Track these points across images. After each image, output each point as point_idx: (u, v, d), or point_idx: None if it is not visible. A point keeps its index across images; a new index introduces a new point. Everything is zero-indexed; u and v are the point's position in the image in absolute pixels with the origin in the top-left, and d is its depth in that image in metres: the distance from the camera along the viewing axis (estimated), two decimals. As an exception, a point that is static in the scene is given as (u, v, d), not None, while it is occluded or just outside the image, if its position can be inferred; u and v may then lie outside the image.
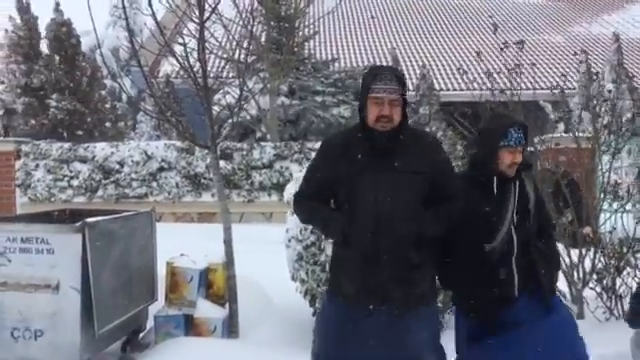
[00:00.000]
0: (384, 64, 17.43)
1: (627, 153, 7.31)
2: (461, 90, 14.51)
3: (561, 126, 10.08)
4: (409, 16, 22.41)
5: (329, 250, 4.26)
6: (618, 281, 4.71)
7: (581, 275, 4.91)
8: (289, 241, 4.55)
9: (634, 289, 4.09)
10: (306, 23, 13.92)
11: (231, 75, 11.80)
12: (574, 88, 13.00)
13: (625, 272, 4.69)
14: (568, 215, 5.09)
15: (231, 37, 7.82)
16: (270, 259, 5.54)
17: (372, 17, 21.72)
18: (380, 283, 2.60)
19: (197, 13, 4.47)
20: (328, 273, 3.08)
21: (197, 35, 4.44)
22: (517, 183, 2.87)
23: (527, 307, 2.83)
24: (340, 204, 2.72)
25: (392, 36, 20.17)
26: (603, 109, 5.94)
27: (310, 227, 4.31)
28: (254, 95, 9.57)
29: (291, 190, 4.68)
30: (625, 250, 4.74)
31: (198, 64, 4.42)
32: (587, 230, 5.17)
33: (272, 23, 12.56)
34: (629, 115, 9.66)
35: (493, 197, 2.84)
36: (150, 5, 4.44)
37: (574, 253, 4.98)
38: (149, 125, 15.09)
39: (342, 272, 2.73)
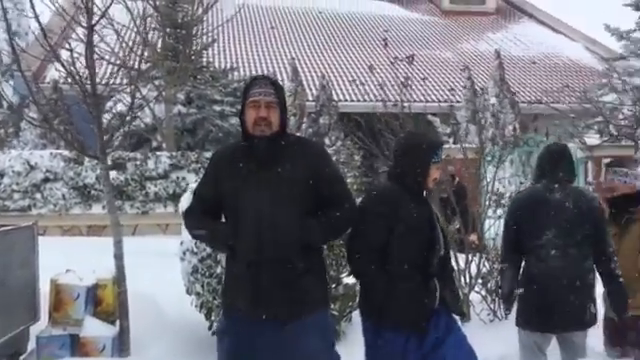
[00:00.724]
0: (284, 74, 17.56)
1: (510, 163, 7.81)
2: (357, 101, 14.86)
3: (450, 140, 10.59)
4: (308, 28, 22.71)
5: (224, 262, 4.22)
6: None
7: (467, 279, 5.15)
8: (184, 254, 4.44)
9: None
10: (204, 31, 13.70)
11: (124, 82, 11.38)
12: (461, 102, 13.73)
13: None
14: (456, 223, 5.34)
15: (123, 43, 7.54)
16: (165, 273, 5.39)
17: (272, 27, 21.80)
18: (265, 292, 2.60)
19: (85, 17, 4.27)
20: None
21: (85, 40, 4.24)
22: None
23: (444, 321, 2.92)
24: (227, 216, 2.75)
25: (292, 47, 20.34)
26: (488, 122, 6.32)
27: (205, 239, 4.22)
28: (148, 103, 9.27)
29: (185, 201, 4.57)
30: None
31: (86, 70, 4.22)
32: (473, 237, 5.46)
33: (168, 30, 12.25)
34: (511, 128, 10.34)
35: (426, 208, 2.93)
36: (33, 7, 4.20)
37: (461, 258, 5.23)
38: (34, 133, 14.18)
39: (232, 284, 2.74)
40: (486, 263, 5.18)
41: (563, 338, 3.53)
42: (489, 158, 5.87)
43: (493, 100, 10.80)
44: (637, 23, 15.71)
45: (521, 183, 7.01)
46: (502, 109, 10.28)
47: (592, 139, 10.69)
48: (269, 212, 2.61)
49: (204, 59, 14.37)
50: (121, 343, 4.24)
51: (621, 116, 11.63)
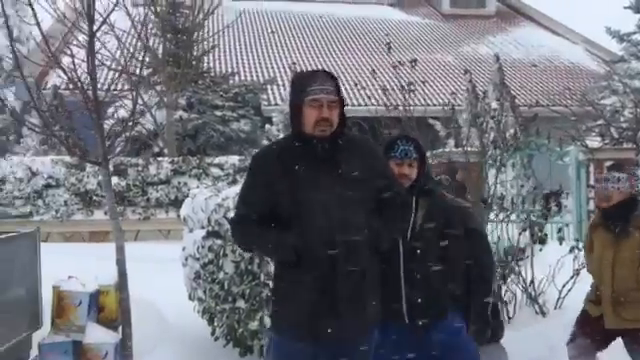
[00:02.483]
0: (285, 79, 17.58)
1: (511, 167, 7.80)
2: (359, 105, 14.88)
3: (451, 142, 10.59)
4: (308, 33, 22.75)
5: (228, 268, 4.21)
6: (503, 288, 4.98)
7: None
8: (186, 259, 4.43)
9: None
10: (204, 36, 13.74)
11: (125, 88, 11.41)
12: (461, 105, 13.74)
13: (509, 279, 4.96)
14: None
15: (124, 49, 7.54)
16: (166, 278, 5.38)
17: (272, 32, 21.84)
18: (334, 305, 2.39)
19: (87, 24, 4.28)
20: (269, 306, 2.74)
21: (87, 46, 4.24)
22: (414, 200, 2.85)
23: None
24: (285, 223, 2.45)
25: (292, 52, 20.38)
26: (489, 126, 6.30)
27: (207, 244, 4.22)
28: (150, 109, 9.28)
29: (187, 207, 4.57)
30: (509, 259, 5.01)
31: (88, 76, 4.22)
32: None
33: (169, 35, 12.28)
34: (512, 131, 10.32)
35: None
36: (34, 14, 4.20)
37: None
38: (35, 140, 14.21)
39: (291, 295, 2.47)
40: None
41: None
42: (491, 162, 5.86)
43: (494, 104, 10.80)
44: (637, 25, 15.74)
45: (522, 186, 7.01)
46: (503, 112, 10.26)
47: (593, 142, 10.69)
48: (339, 216, 2.40)
49: (205, 64, 14.41)
50: (124, 349, 4.23)
51: (622, 119, 11.63)
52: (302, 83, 2.50)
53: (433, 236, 2.81)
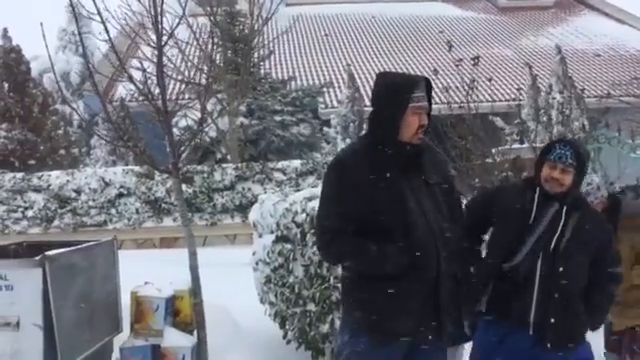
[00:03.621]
0: (340, 81, 17.61)
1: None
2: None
3: (515, 138, 10.31)
4: (361, 34, 22.70)
5: (297, 272, 4.24)
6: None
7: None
8: (256, 264, 4.50)
9: None
10: (262, 43, 13.94)
11: (187, 97, 11.72)
12: (523, 100, 13.36)
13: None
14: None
15: (187, 60, 7.78)
16: (236, 283, 5.47)
17: (326, 35, 21.93)
18: (437, 313, 2.39)
19: (154, 37, 4.41)
20: (354, 315, 2.56)
21: (155, 60, 4.38)
22: None
23: None
24: (379, 233, 2.37)
25: (347, 54, 20.38)
26: (554, 119, 6.14)
27: (277, 249, 4.27)
28: (213, 118, 9.50)
29: (255, 212, 4.64)
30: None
31: (156, 88, 4.36)
32: None
33: (228, 44, 12.54)
34: (577, 124, 9.97)
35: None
36: (106, 30, 4.37)
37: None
38: (104, 150, 14.77)
39: (393, 303, 2.38)
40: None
41: None
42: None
43: (558, 96, 10.47)
44: None
45: (588, 184, 6.76)
46: (568, 105, 9.94)
47: (668, 133, 10.18)
48: (437, 223, 2.42)
49: (262, 71, 14.61)
50: (199, 353, 4.33)
51: (698, 106, 11.02)
52: (404, 88, 2.43)
53: (579, 253, 2.68)
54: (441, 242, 2.39)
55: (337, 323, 4.15)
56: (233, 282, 5.77)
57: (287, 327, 4.42)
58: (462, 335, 2.51)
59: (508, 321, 2.68)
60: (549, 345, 2.60)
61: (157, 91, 4.36)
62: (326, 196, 2.49)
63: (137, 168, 11.48)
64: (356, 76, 17.11)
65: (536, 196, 2.71)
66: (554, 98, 9.73)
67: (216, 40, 11.09)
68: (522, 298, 2.65)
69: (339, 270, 4.20)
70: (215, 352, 4.43)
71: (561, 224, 2.66)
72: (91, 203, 11.39)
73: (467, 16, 24.46)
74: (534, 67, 13.65)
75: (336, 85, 17.32)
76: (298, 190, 4.73)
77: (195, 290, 4.42)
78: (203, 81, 5.37)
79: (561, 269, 2.61)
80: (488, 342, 2.74)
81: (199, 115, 4.85)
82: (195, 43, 8.48)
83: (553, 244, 2.64)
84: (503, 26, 23.64)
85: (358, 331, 2.49)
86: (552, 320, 2.60)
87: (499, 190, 2.86)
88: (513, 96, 6.61)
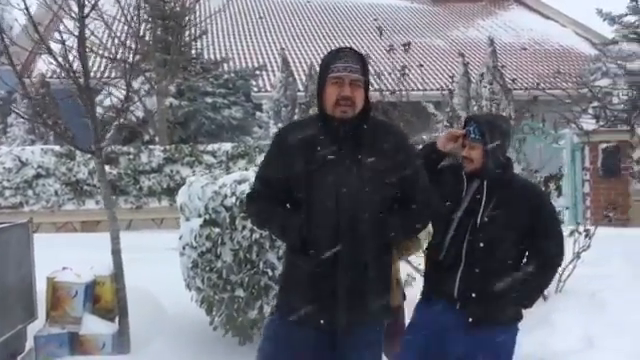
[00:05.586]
0: (274, 65, 17.42)
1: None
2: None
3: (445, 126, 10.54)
4: (297, 18, 22.55)
5: (226, 256, 4.15)
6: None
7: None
8: (183, 248, 4.36)
9: None
10: (194, 22, 13.56)
11: (114, 75, 11.25)
12: (454, 89, 13.66)
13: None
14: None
15: (113, 35, 7.43)
16: (162, 268, 5.30)
17: (260, 17, 21.62)
18: (334, 296, 2.31)
19: (76, 9, 4.16)
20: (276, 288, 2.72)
21: (76, 33, 4.13)
22: None
23: None
24: (298, 205, 2.38)
25: (281, 37, 20.19)
26: (483, 109, 6.28)
27: (205, 233, 4.15)
28: (140, 97, 9.15)
29: (182, 195, 4.49)
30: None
31: (78, 63, 4.12)
32: None
33: (158, 21, 12.11)
34: (505, 114, 10.29)
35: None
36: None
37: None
38: (22, 129, 14.00)
39: (295, 282, 2.42)
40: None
41: None
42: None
43: (487, 87, 10.76)
44: (629, 7, 15.70)
45: (523, 170, 6.98)
46: (496, 95, 10.24)
47: (588, 124, 10.67)
48: (348, 205, 2.30)
49: (194, 51, 14.24)
50: (121, 340, 4.17)
51: (616, 100, 11.62)
52: (326, 61, 2.40)
53: (500, 228, 2.62)
54: (348, 224, 2.30)
55: (266, 309, 4.10)
56: (159, 267, 5.59)
57: (214, 313, 4.32)
58: (367, 321, 2.40)
59: (441, 300, 2.69)
60: (470, 320, 2.60)
61: (78, 66, 4.11)
62: (261, 162, 2.63)
63: (57, 148, 10.95)
64: (290, 60, 17.00)
65: (464, 174, 2.71)
66: (485, 87, 9.99)
67: (144, 16, 10.68)
68: (450, 275, 2.65)
69: (269, 255, 4.16)
70: (138, 339, 4.28)
71: (483, 201, 2.65)
72: (5, 184, 10.79)
73: (401, 5, 24.76)
74: (465, 58, 13.98)
75: (270, 69, 17.14)
76: (229, 174, 4.60)
77: (117, 275, 4.25)
78: (128, 58, 5.12)
79: (481, 244, 2.61)
80: (421, 320, 2.75)
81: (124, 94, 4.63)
82: (122, 18, 8.11)
83: (477, 220, 2.63)
84: (436, 17, 24.09)
85: (275, 311, 2.56)
86: (473, 295, 2.61)
87: (441, 171, 2.81)
88: (444, 85, 6.72)
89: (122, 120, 9.50)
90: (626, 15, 16.12)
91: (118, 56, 4.75)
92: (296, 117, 15.11)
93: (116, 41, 5.58)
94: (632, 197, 10.41)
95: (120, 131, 11.84)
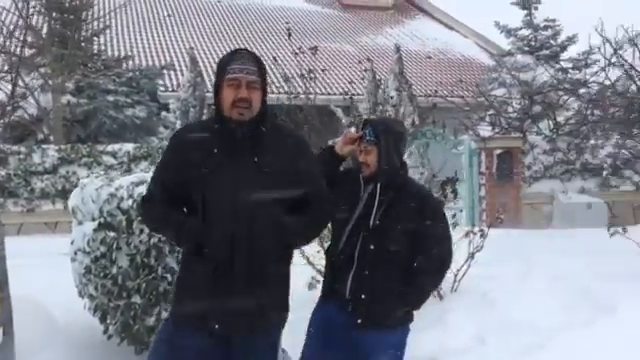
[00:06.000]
0: (182, 64, 16.99)
1: (408, 155, 8.01)
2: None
3: (352, 130, 10.69)
4: (206, 17, 22.15)
5: (122, 262, 3.96)
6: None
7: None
8: (75, 254, 4.12)
9: None
10: (95, 16, 12.97)
11: (4, 69, 10.54)
12: (362, 94, 13.93)
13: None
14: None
15: (2, 27, 6.93)
16: (54, 274, 5.01)
17: (168, 15, 21.05)
18: (229, 300, 2.25)
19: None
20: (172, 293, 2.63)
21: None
22: None
23: None
24: (194, 207, 2.34)
25: (190, 36, 19.74)
26: (388, 114, 6.42)
27: (99, 237, 3.94)
28: (33, 92, 8.62)
29: (75, 197, 4.25)
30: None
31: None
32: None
33: (55, 14, 11.46)
34: (409, 120, 10.60)
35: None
36: None
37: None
38: None
39: (189, 286, 2.37)
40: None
41: None
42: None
43: (393, 93, 11.04)
44: (523, 21, 16.65)
45: (421, 174, 7.21)
46: (401, 102, 10.53)
47: (485, 132, 11.21)
48: (244, 208, 2.26)
49: (95, 47, 13.62)
50: (5, 352, 3.88)
51: (510, 109, 12.28)
52: (223, 62, 2.39)
53: (392, 231, 2.65)
54: (244, 228, 2.26)
55: (164, 315, 3.96)
56: (51, 274, 5.28)
57: (108, 321, 4.12)
58: (263, 326, 2.37)
59: (336, 300, 2.70)
60: (359, 321, 2.63)
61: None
62: (157, 164, 2.59)
63: (-63, 146, 10.12)
64: (199, 60, 16.65)
65: (361, 178, 2.75)
66: (387, 94, 10.25)
67: (38, 8, 10.08)
68: (343, 276, 2.68)
69: (168, 259, 4.02)
70: (24, 351, 4.00)
71: (376, 203, 2.67)
72: None
73: (312, 10, 24.98)
74: (373, 64, 14.29)
75: (177, 68, 16.70)
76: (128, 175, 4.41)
77: (2, 283, 3.94)
78: (18, 51, 4.79)
79: (372, 247, 2.65)
80: (318, 320, 2.77)
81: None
82: (13, 8, 7.60)
83: (370, 223, 2.66)
84: (345, 23, 24.48)
85: (170, 315, 2.49)
86: (362, 296, 2.63)
87: (341, 174, 2.84)
88: (351, 89, 6.82)
89: (10, 118, 8.90)
90: (521, 29, 17.11)
91: (7, 48, 4.42)
92: (204, 117, 14.84)
93: (4, 31, 5.20)
94: (522, 200, 11.06)
95: (10, 129, 11.10)
